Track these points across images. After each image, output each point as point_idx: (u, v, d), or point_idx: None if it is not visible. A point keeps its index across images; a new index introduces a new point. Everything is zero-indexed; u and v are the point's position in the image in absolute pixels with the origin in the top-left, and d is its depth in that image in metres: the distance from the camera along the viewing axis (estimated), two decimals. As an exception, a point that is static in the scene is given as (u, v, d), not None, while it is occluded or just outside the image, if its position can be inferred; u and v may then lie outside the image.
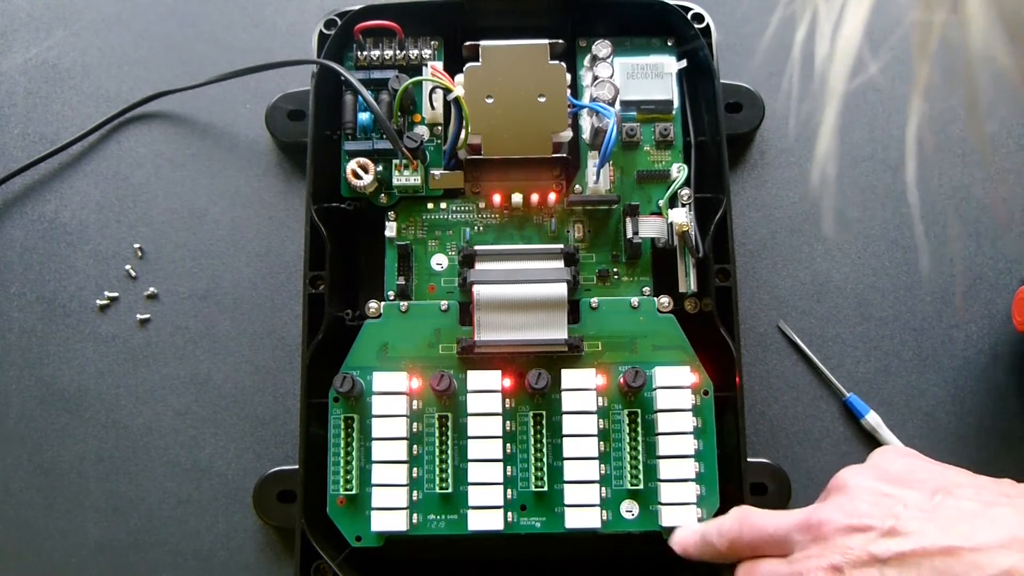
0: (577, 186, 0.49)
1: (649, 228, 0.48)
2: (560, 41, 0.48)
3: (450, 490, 0.44)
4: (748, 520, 0.36)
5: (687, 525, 0.40)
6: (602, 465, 0.44)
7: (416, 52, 0.50)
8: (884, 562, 0.30)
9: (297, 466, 0.45)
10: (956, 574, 0.29)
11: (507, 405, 0.45)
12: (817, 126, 0.26)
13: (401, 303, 0.47)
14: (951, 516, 0.31)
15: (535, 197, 0.48)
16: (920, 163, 0.53)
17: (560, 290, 0.45)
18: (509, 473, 0.44)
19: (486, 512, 0.44)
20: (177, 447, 0.50)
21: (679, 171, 0.49)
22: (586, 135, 0.49)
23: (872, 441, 0.49)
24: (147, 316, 0.52)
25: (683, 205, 0.48)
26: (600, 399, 0.45)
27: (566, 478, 0.44)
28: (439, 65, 0.49)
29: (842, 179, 0.53)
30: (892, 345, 0.51)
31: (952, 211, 0.52)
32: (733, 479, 0.44)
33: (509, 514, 0.44)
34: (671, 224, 0.47)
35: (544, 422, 0.45)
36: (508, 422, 0.45)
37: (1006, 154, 0.53)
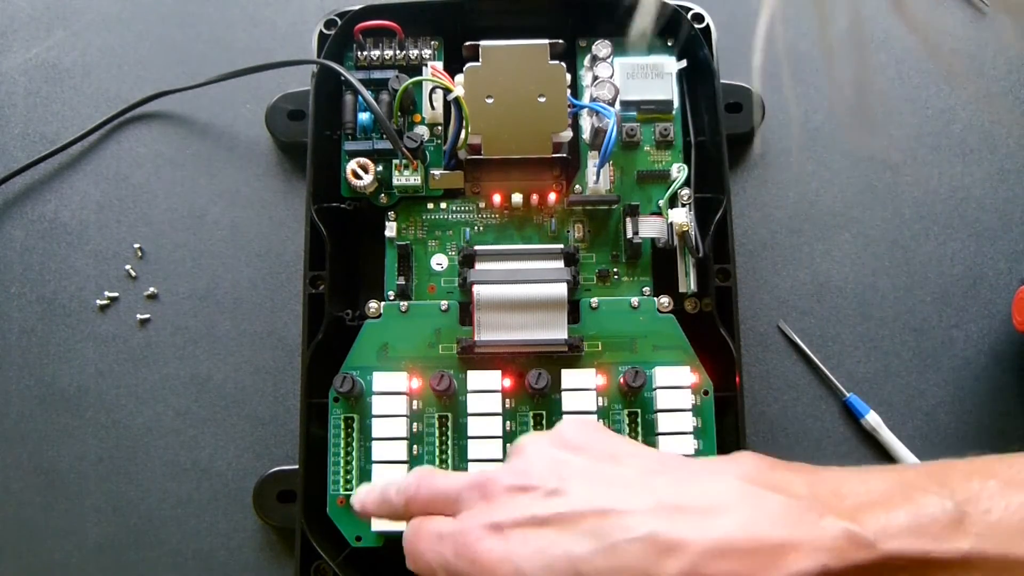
0: (577, 186, 0.49)
1: (649, 228, 0.48)
2: (560, 41, 0.48)
3: (450, 490, 0.44)
4: (426, 478, 0.35)
5: (370, 484, 0.39)
6: (602, 465, 0.44)
7: (416, 52, 0.50)
8: (543, 521, 0.31)
9: (297, 466, 0.45)
10: (606, 533, 0.29)
11: (507, 405, 0.45)
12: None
13: (401, 303, 0.47)
14: (610, 481, 0.32)
15: (535, 197, 0.48)
16: (920, 163, 0.54)
17: (560, 290, 0.45)
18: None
19: (486, 512, 0.44)
20: (177, 447, 0.50)
21: (679, 171, 0.49)
22: (586, 135, 0.49)
23: (872, 441, 0.49)
24: (147, 316, 0.52)
25: (683, 205, 0.48)
26: (600, 399, 0.45)
27: (566, 478, 0.44)
28: (439, 65, 0.49)
29: (842, 179, 0.53)
30: (892, 345, 0.51)
31: (952, 211, 0.52)
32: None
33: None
34: (671, 224, 0.47)
35: (544, 422, 0.45)
36: (508, 422, 0.45)
37: (1006, 154, 0.53)
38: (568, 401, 0.44)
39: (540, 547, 0.30)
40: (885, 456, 0.49)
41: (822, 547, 0.28)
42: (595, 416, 0.44)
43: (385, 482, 0.37)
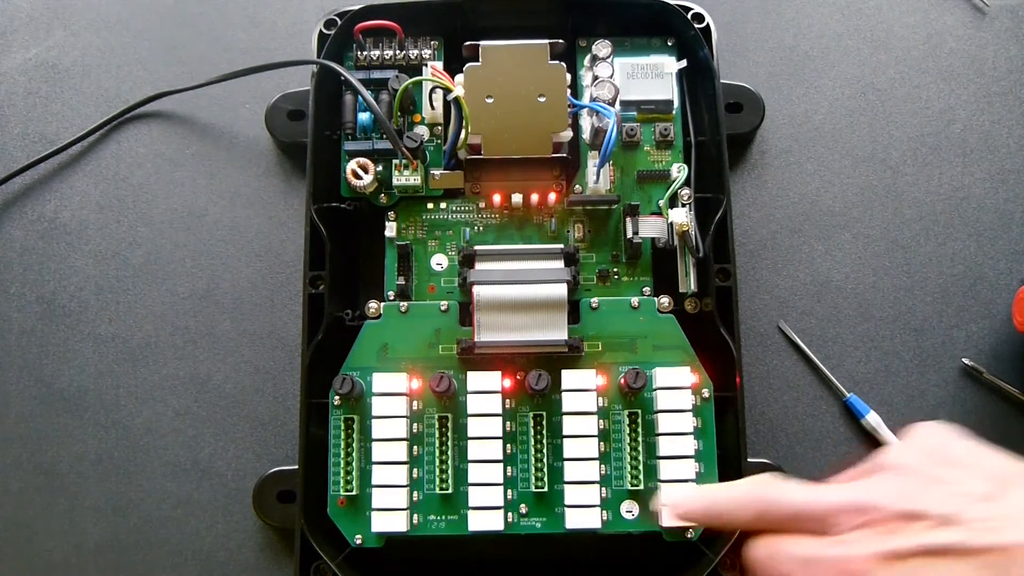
0: (577, 186, 0.49)
1: (649, 228, 0.48)
2: (560, 41, 0.48)
3: (450, 491, 0.44)
4: (781, 494, 0.32)
5: (685, 491, 0.36)
6: (602, 465, 0.44)
7: (416, 52, 0.50)
8: (937, 553, 0.28)
9: (297, 466, 0.45)
10: (1008, 570, 0.27)
11: (507, 406, 0.45)
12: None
13: (401, 303, 0.47)
14: (1013, 510, 0.29)
15: (535, 197, 0.48)
16: (920, 163, 0.54)
17: (560, 290, 0.45)
18: (509, 474, 0.44)
19: (486, 513, 0.44)
20: (177, 447, 0.50)
21: (679, 171, 0.49)
22: (586, 135, 0.49)
23: (872, 441, 0.49)
24: (147, 316, 0.52)
25: (683, 205, 0.48)
26: (600, 400, 0.45)
27: (566, 479, 0.44)
28: (439, 65, 0.49)
29: (842, 179, 0.53)
30: (892, 345, 0.51)
31: (952, 211, 0.52)
32: (733, 479, 0.44)
33: (509, 514, 0.44)
34: (671, 224, 0.47)
35: (544, 423, 0.45)
36: (508, 423, 0.45)
37: (1006, 154, 0.53)
38: (568, 402, 0.44)
39: None
40: (885, 456, 0.49)
41: None
42: (594, 418, 0.44)
43: (708, 495, 0.35)
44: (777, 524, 0.32)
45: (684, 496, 0.36)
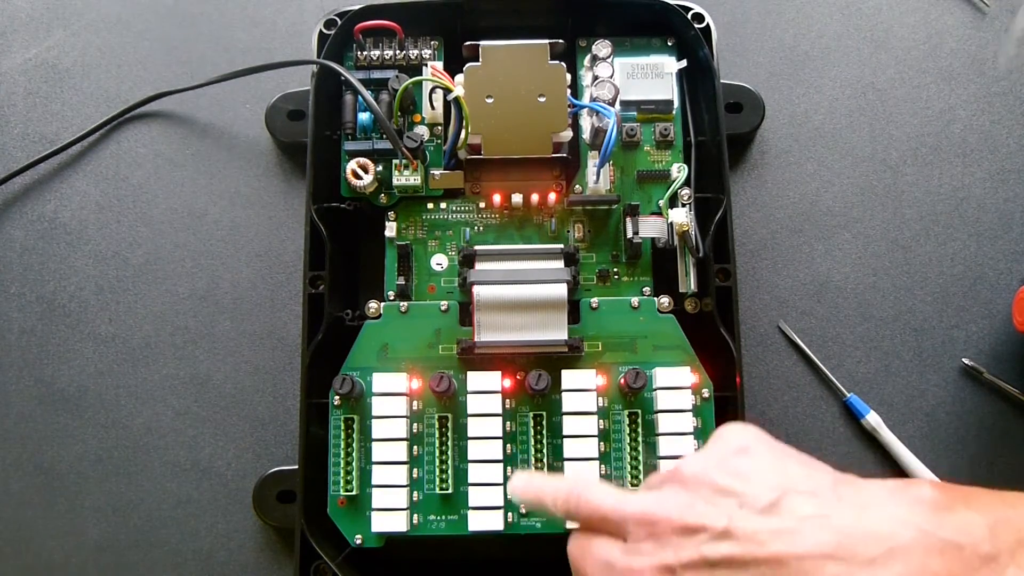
0: (577, 186, 0.49)
1: (649, 228, 0.48)
2: (560, 41, 0.48)
3: (450, 491, 0.44)
4: (587, 496, 0.34)
5: (527, 479, 0.37)
6: (602, 466, 0.44)
7: (416, 52, 0.50)
8: (715, 565, 0.30)
9: (297, 466, 0.45)
10: None
11: (507, 406, 0.45)
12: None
13: (401, 303, 0.47)
14: (783, 520, 0.30)
15: (535, 197, 0.48)
16: (920, 163, 0.54)
17: (560, 290, 0.45)
18: (509, 474, 0.44)
19: (486, 512, 0.44)
20: (177, 447, 0.50)
21: (679, 171, 0.49)
22: (586, 135, 0.49)
23: (873, 441, 0.49)
24: (147, 316, 0.52)
25: (683, 205, 0.48)
26: (600, 400, 0.45)
27: (566, 478, 0.44)
28: (439, 65, 0.49)
29: (842, 179, 0.53)
30: (892, 345, 0.51)
31: (952, 211, 0.52)
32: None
33: (509, 514, 0.44)
34: (671, 224, 0.47)
35: (544, 423, 0.45)
36: (508, 423, 0.45)
37: (1006, 154, 0.53)
38: (568, 402, 0.44)
39: None
40: (885, 457, 0.49)
41: None
42: (594, 418, 0.44)
43: (539, 484, 0.36)
44: (584, 523, 0.35)
45: (523, 481, 0.37)
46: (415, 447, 0.45)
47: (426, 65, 0.49)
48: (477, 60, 0.47)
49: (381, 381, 0.45)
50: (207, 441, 0.50)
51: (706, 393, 0.45)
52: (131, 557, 0.49)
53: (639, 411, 0.45)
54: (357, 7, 0.49)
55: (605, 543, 0.33)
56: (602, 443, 0.45)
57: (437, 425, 0.45)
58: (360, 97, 0.48)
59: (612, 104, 0.46)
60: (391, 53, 0.50)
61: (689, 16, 0.49)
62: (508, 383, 0.45)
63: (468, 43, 0.48)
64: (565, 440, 0.44)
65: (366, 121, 0.49)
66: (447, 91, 0.47)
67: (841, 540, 0.29)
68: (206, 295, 0.52)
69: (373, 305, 0.47)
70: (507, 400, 0.45)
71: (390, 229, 0.48)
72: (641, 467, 0.44)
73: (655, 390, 0.45)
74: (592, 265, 0.48)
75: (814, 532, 0.29)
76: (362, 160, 0.48)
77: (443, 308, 0.47)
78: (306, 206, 0.47)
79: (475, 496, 0.44)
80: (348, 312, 0.48)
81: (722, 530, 0.30)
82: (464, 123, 0.47)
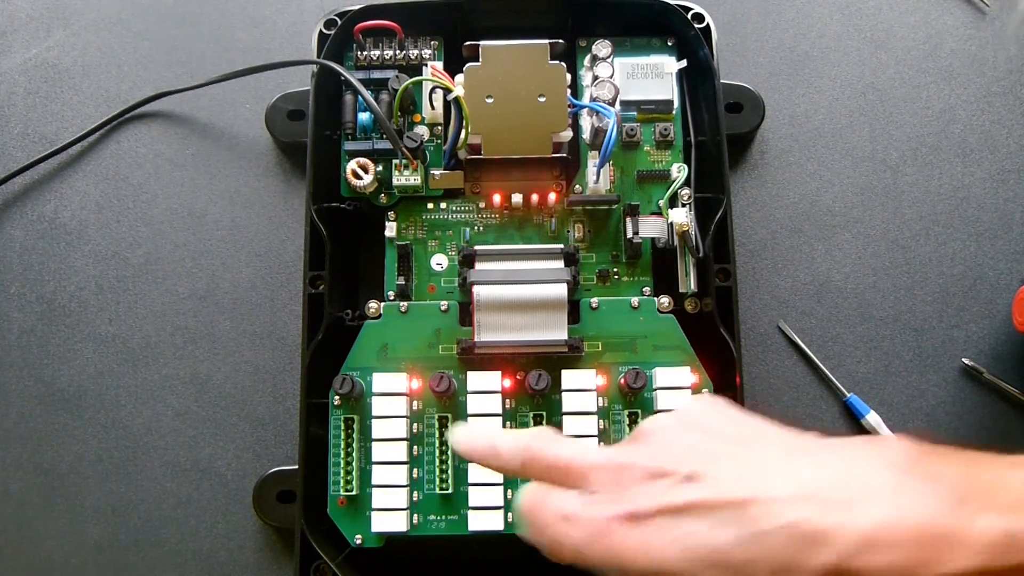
0: (577, 186, 0.49)
1: (649, 228, 0.48)
2: (560, 41, 0.48)
3: (450, 491, 0.44)
4: (548, 444, 0.33)
5: (471, 430, 0.36)
6: (602, 465, 0.44)
7: (416, 52, 0.50)
8: (681, 509, 0.29)
9: (297, 466, 0.45)
10: (749, 522, 0.28)
11: (507, 406, 0.45)
12: None
13: (401, 303, 0.47)
14: (750, 466, 0.30)
15: (535, 197, 0.48)
16: (920, 163, 0.54)
17: (560, 290, 0.45)
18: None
19: (486, 512, 0.44)
20: (177, 447, 0.50)
21: (679, 171, 0.49)
22: (586, 135, 0.49)
23: (872, 441, 0.49)
24: (147, 316, 0.52)
25: (683, 205, 0.48)
26: (600, 400, 0.45)
27: (566, 478, 0.44)
28: (439, 65, 0.49)
29: (842, 179, 0.53)
30: (892, 345, 0.51)
31: (952, 211, 0.52)
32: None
33: (509, 514, 0.44)
34: (671, 224, 0.47)
35: (544, 423, 0.45)
36: (508, 423, 0.45)
37: (1006, 154, 0.53)
38: (568, 402, 0.44)
39: (678, 536, 0.29)
40: (885, 456, 0.49)
41: (979, 546, 0.26)
42: (594, 418, 0.44)
43: (492, 434, 0.35)
44: (541, 474, 0.33)
45: (471, 432, 0.36)
46: (415, 447, 0.45)
47: (426, 65, 0.49)
48: (477, 60, 0.47)
49: (381, 381, 0.45)
50: (207, 441, 0.50)
51: (706, 393, 0.45)
52: (131, 557, 0.49)
53: (639, 411, 0.45)
54: (357, 7, 0.49)
55: (564, 494, 0.32)
56: (602, 443, 0.45)
57: (437, 425, 0.45)
58: (360, 97, 0.48)
59: (612, 104, 0.46)
60: (391, 53, 0.50)
61: (689, 16, 0.49)
62: (508, 383, 0.45)
63: (468, 43, 0.48)
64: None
65: (366, 121, 0.49)
66: (447, 91, 0.47)
67: (815, 482, 0.29)
68: (206, 295, 0.52)
69: (373, 305, 0.47)
70: (507, 400, 0.45)
71: (390, 229, 0.48)
72: (641, 467, 0.44)
73: (655, 390, 0.45)
74: (592, 265, 0.48)
75: (786, 474, 0.29)
76: (362, 160, 0.48)
77: (443, 308, 0.47)
78: (306, 206, 0.47)
79: (475, 496, 0.44)
80: (348, 312, 0.48)
81: (688, 473, 0.30)
82: (464, 123, 0.47)
